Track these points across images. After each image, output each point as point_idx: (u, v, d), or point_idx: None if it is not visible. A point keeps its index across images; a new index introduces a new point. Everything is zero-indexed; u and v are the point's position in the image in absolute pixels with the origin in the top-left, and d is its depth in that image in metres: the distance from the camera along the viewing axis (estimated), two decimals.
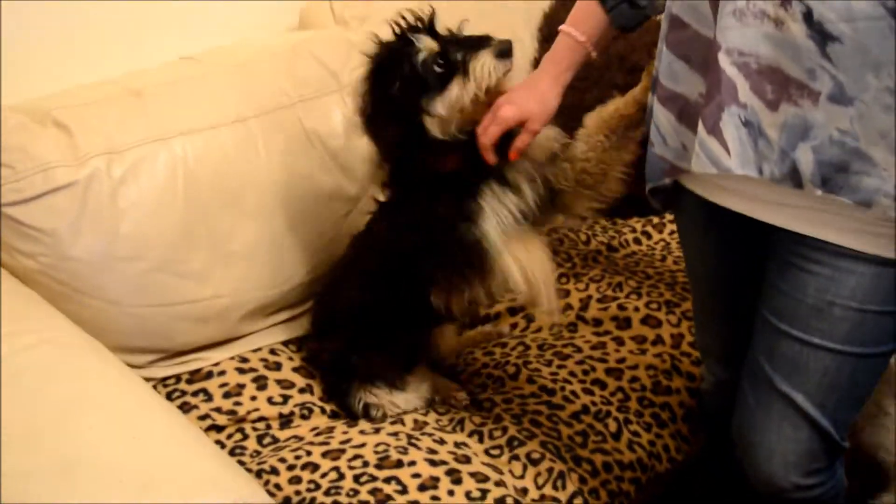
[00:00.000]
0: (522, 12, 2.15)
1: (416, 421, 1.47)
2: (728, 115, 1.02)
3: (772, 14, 0.95)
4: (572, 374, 1.59)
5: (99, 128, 1.46)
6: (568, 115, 2.09)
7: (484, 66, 1.23)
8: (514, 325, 1.77)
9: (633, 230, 2.02)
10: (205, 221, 1.53)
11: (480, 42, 1.26)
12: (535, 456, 1.41)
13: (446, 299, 1.35)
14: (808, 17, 0.92)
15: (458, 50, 1.25)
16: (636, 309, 1.72)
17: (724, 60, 1.00)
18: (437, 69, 1.25)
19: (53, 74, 1.61)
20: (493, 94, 1.27)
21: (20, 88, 1.54)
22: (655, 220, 2.03)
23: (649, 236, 2.00)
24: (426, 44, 1.26)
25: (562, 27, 1.28)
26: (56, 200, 1.38)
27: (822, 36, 0.92)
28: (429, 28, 1.28)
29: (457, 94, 1.25)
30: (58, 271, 1.40)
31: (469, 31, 1.31)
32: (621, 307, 1.73)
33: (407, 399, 1.52)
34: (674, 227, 1.94)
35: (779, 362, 1.14)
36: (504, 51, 1.24)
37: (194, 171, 1.52)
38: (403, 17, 1.29)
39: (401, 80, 1.27)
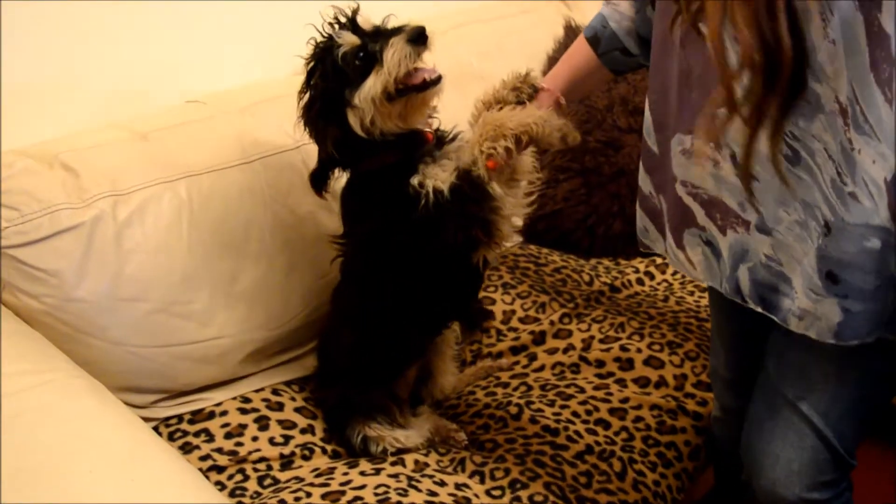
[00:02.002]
0: (525, 55, 2.18)
1: (416, 461, 1.47)
2: (689, 236, 1.17)
3: (710, 155, 1.07)
4: (575, 414, 1.58)
5: (105, 170, 1.48)
6: (571, 158, 2.13)
7: (396, 52, 1.24)
8: (515, 364, 1.77)
9: (636, 270, 2.03)
10: (208, 263, 1.54)
11: (396, 31, 1.27)
12: (539, 498, 1.40)
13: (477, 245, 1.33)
14: (734, 158, 1.04)
15: (377, 42, 1.27)
16: (639, 350, 1.72)
17: (680, 190, 1.15)
18: (357, 62, 1.26)
19: (61, 118, 1.64)
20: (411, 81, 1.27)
21: (27, 132, 1.56)
22: (658, 260, 2.03)
23: (652, 277, 2.00)
24: (347, 39, 1.27)
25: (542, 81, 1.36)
26: (61, 242, 1.39)
27: (745, 174, 1.02)
28: (351, 24, 1.30)
29: (371, 82, 1.25)
30: (62, 312, 1.41)
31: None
32: (624, 348, 1.73)
33: (408, 435, 1.52)
34: None
35: (785, 369, 1.20)
36: (416, 36, 1.24)
37: (198, 213, 1.53)
38: (332, 16, 1.31)
39: (325, 76, 1.29)
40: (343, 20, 1.30)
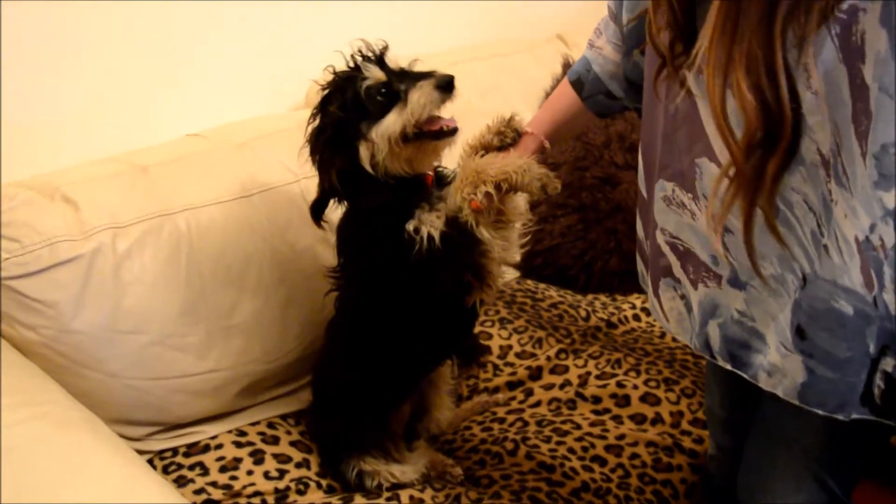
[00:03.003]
0: (523, 93, 2.21)
1: (412, 497, 1.46)
2: (664, 285, 1.16)
3: (688, 206, 1.06)
4: (571, 450, 1.58)
5: (105, 203, 1.49)
6: (568, 194, 2.14)
7: (422, 94, 1.25)
8: (512, 399, 1.76)
9: (633, 306, 2.03)
10: (206, 296, 1.54)
11: (425, 76, 1.28)
12: None
13: (469, 290, 1.34)
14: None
15: (403, 81, 1.27)
16: (635, 386, 1.71)
17: (659, 237, 1.13)
18: (380, 98, 1.27)
19: (63, 150, 1.65)
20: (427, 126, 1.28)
21: (30, 163, 1.58)
22: None
23: (649, 313, 2.00)
24: (373, 73, 1.28)
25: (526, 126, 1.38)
26: (60, 274, 1.40)
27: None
28: (378, 60, 1.30)
29: (392, 120, 1.26)
30: (59, 343, 1.41)
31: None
32: (620, 384, 1.73)
33: (403, 470, 1.51)
34: None
35: (782, 409, 1.15)
36: (445, 84, 1.25)
37: (197, 246, 1.54)
38: (358, 49, 1.31)
39: (344, 104, 1.29)
40: (371, 55, 1.31)
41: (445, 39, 2.32)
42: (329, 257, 1.66)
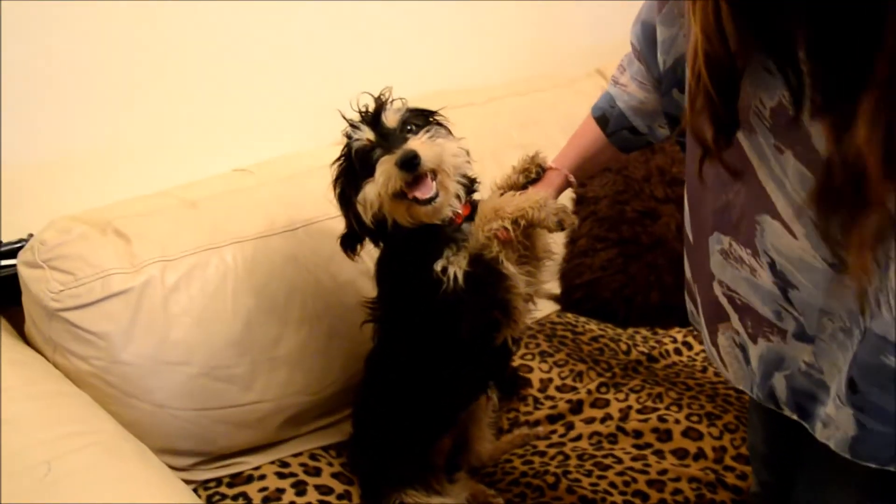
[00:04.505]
0: (562, 126, 2.22)
1: None
2: (723, 337, 1.14)
3: (747, 262, 1.04)
4: (613, 485, 1.57)
5: (155, 236, 1.52)
6: (609, 227, 2.15)
7: (383, 171, 1.24)
8: (553, 432, 1.76)
9: (674, 340, 2.02)
10: (251, 328, 1.57)
11: (403, 139, 1.26)
12: None
13: (502, 331, 1.34)
14: (773, 266, 1.01)
15: (383, 146, 1.26)
16: (677, 421, 1.70)
17: (717, 289, 1.11)
18: (367, 160, 1.27)
19: (115, 184, 1.71)
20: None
21: (83, 197, 1.63)
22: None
23: (690, 347, 1.99)
24: (363, 134, 1.28)
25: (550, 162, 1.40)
26: (112, 306, 1.44)
27: (784, 283, 1.00)
28: (373, 119, 1.30)
29: (369, 189, 1.26)
30: (108, 374, 1.44)
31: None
32: (662, 419, 1.71)
33: (445, 503, 1.51)
34: None
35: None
36: (404, 161, 1.22)
37: (243, 279, 1.57)
38: (360, 103, 1.32)
39: (342, 166, 1.32)
40: (366, 111, 1.31)
41: (486, 75, 2.35)
42: (371, 290, 1.68)
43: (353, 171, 1.30)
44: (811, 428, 1.06)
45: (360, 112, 1.31)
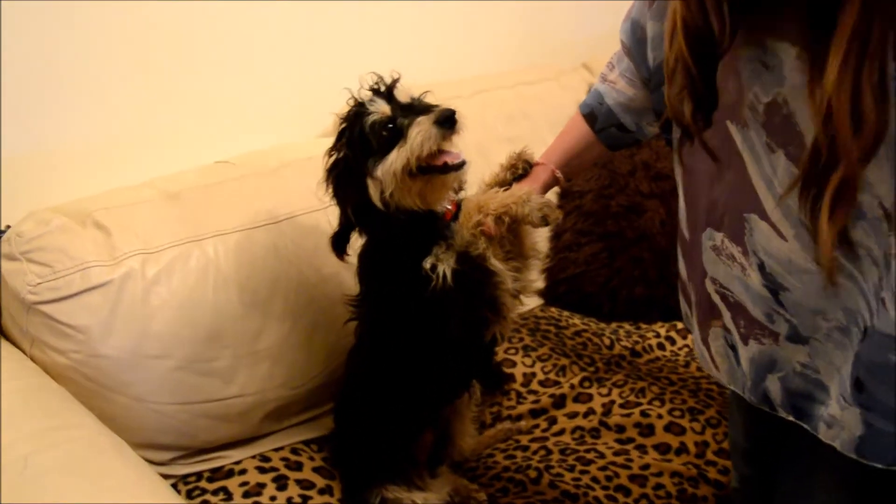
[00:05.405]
0: (549, 120, 2.21)
1: None
2: (714, 334, 1.13)
3: (738, 259, 1.04)
4: (595, 479, 1.57)
5: (136, 229, 1.51)
6: (593, 222, 2.15)
7: (420, 131, 1.23)
8: (535, 427, 1.76)
9: (657, 335, 2.02)
10: (233, 321, 1.55)
11: (428, 110, 1.26)
12: None
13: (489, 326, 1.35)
14: (762, 268, 1.01)
15: (407, 116, 1.26)
16: (659, 416, 1.70)
17: (709, 286, 1.10)
18: (385, 133, 1.26)
19: (95, 176, 1.68)
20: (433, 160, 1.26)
21: (62, 189, 1.61)
22: (679, 325, 2.03)
23: (673, 342, 2.00)
24: (379, 107, 1.27)
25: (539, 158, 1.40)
26: (91, 299, 1.42)
27: (774, 286, 1.00)
28: (387, 93, 1.29)
29: (394, 157, 1.24)
30: (87, 367, 1.42)
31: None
32: (644, 413, 1.72)
33: (426, 497, 1.50)
34: None
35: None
36: (444, 119, 1.22)
37: (225, 272, 1.56)
38: (369, 82, 1.31)
39: (351, 141, 1.29)
40: (381, 87, 1.30)
41: (472, 67, 2.34)
42: (355, 284, 1.67)
43: (364, 148, 1.27)
44: (812, 429, 1.05)
45: (373, 88, 1.30)
